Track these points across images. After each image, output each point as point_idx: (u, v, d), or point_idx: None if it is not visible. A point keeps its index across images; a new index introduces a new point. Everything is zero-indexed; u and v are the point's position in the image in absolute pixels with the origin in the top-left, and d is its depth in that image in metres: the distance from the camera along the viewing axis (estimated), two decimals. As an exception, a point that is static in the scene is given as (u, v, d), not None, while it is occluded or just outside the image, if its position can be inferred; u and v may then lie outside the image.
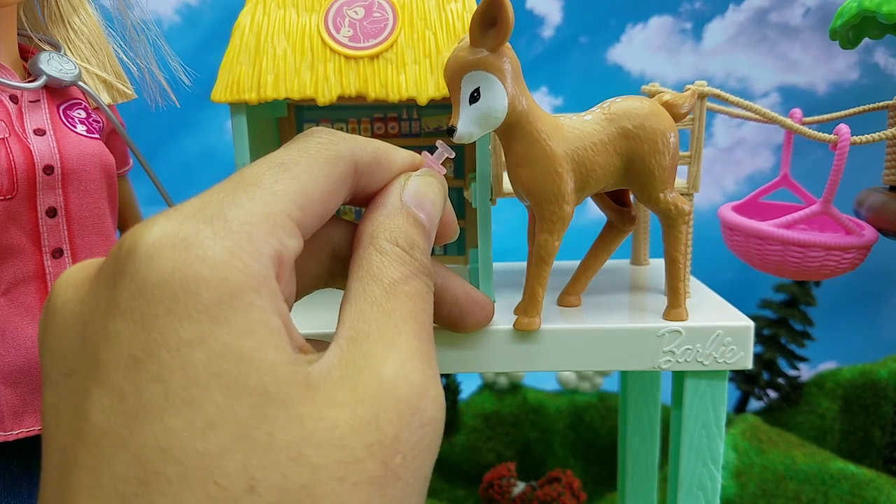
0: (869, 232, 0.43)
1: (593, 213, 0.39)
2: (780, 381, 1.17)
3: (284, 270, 0.16)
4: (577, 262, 0.39)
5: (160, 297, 0.14)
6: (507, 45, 0.28)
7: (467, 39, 0.29)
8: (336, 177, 0.18)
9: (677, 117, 0.33)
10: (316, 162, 0.18)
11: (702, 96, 0.37)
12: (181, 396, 0.14)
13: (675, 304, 0.34)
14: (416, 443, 0.15)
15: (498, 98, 0.29)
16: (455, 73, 0.29)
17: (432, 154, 0.25)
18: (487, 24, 0.27)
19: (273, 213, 0.16)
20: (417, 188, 0.21)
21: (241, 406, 0.14)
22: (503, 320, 0.35)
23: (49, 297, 0.16)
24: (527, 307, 0.33)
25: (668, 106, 0.33)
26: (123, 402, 0.14)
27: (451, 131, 0.29)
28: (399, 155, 0.22)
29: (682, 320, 0.34)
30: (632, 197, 0.38)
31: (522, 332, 0.34)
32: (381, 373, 0.16)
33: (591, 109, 0.33)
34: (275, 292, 0.15)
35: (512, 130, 0.30)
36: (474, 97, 0.28)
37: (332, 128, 0.35)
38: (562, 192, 0.31)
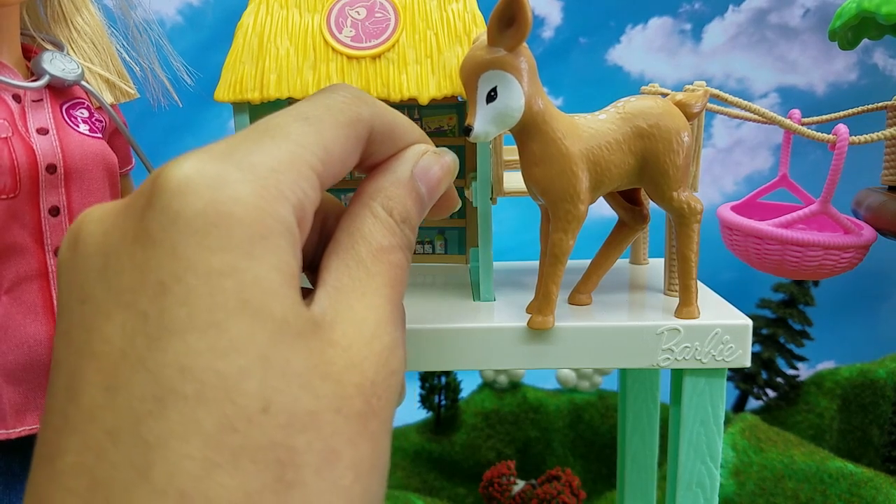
0: (867, 231, 0.44)
1: (600, 213, 0.39)
2: (779, 380, 1.18)
3: (305, 220, 0.17)
4: (583, 262, 0.39)
5: (193, 229, 0.14)
6: (524, 44, 0.28)
7: (484, 38, 0.29)
8: (354, 138, 0.19)
9: (690, 117, 0.33)
10: (338, 120, 0.18)
11: (701, 97, 0.37)
12: (206, 319, 0.14)
13: (687, 302, 0.34)
14: (387, 387, 0.17)
15: (515, 97, 0.29)
16: (472, 72, 0.29)
17: None
18: (505, 24, 0.27)
19: (298, 163, 0.17)
20: (430, 166, 0.21)
21: (263, 332, 0.14)
22: (504, 318, 0.35)
23: (70, 230, 0.17)
24: (541, 306, 0.34)
25: (681, 105, 0.33)
26: (146, 324, 0.14)
27: (468, 131, 0.29)
28: (414, 135, 0.22)
29: (694, 318, 0.34)
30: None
31: (527, 329, 0.34)
32: (362, 328, 0.17)
33: (605, 109, 0.33)
34: (296, 239, 0.16)
35: (528, 130, 0.30)
36: (491, 96, 0.29)
37: None
38: (577, 191, 0.31)
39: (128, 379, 0.14)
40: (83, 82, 0.40)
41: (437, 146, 0.26)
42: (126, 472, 0.13)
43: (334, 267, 0.18)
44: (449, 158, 0.22)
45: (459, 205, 0.25)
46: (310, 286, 0.20)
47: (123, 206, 0.16)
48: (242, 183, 0.15)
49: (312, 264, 0.21)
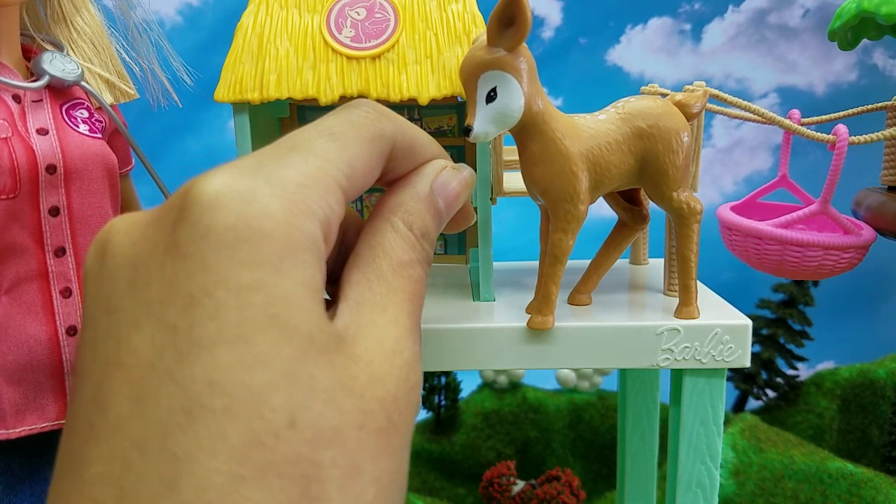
0: (867, 232, 0.44)
1: (600, 213, 0.39)
2: (779, 380, 1.18)
3: (330, 234, 0.17)
4: (582, 262, 0.39)
5: (223, 243, 0.15)
6: (524, 44, 0.29)
7: (483, 39, 0.29)
8: (377, 153, 0.19)
9: (690, 117, 0.33)
10: (362, 136, 0.19)
11: (701, 97, 0.37)
12: (235, 333, 0.14)
13: (686, 303, 0.34)
14: (407, 402, 0.17)
15: (514, 98, 0.29)
16: (471, 72, 0.29)
17: None
18: (505, 24, 0.27)
19: (324, 178, 0.17)
20: (449, 181, 0.22)
21: (290, 347, 0.15)
22: (504, 318, 0.35)
23: (96, 240, 0.17)
24: (541, 306, 0.34)
25: (680, 105, 0.33)
26: (175, 336, 0.14)
27: (468, 131, 0.29)
28: (433, 150, 0.22)
29: (694, 318, 0.34)
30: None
31: (526, 329, 0.34)
32: (384, 342, 0.17)
33: (605, 109, 0.33)
34: (322, 254, 0.16)
35: (527, 130, 0.30)
36: (491, 97, 0.29)
37: None
38: (577, 191, 0.31)
39: (156, 391, 0.14)
40: (83, 83, 0.40)
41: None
42: (153, 484, 0.13)
43: (356, 281, 0.18)
44: (467, 173, 0.23)
45: (475, 220, 0.25)
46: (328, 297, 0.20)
47: (153, 219, 0.16)
48: (271, 198, 0.15)
49: (332, 276, 0.21)
